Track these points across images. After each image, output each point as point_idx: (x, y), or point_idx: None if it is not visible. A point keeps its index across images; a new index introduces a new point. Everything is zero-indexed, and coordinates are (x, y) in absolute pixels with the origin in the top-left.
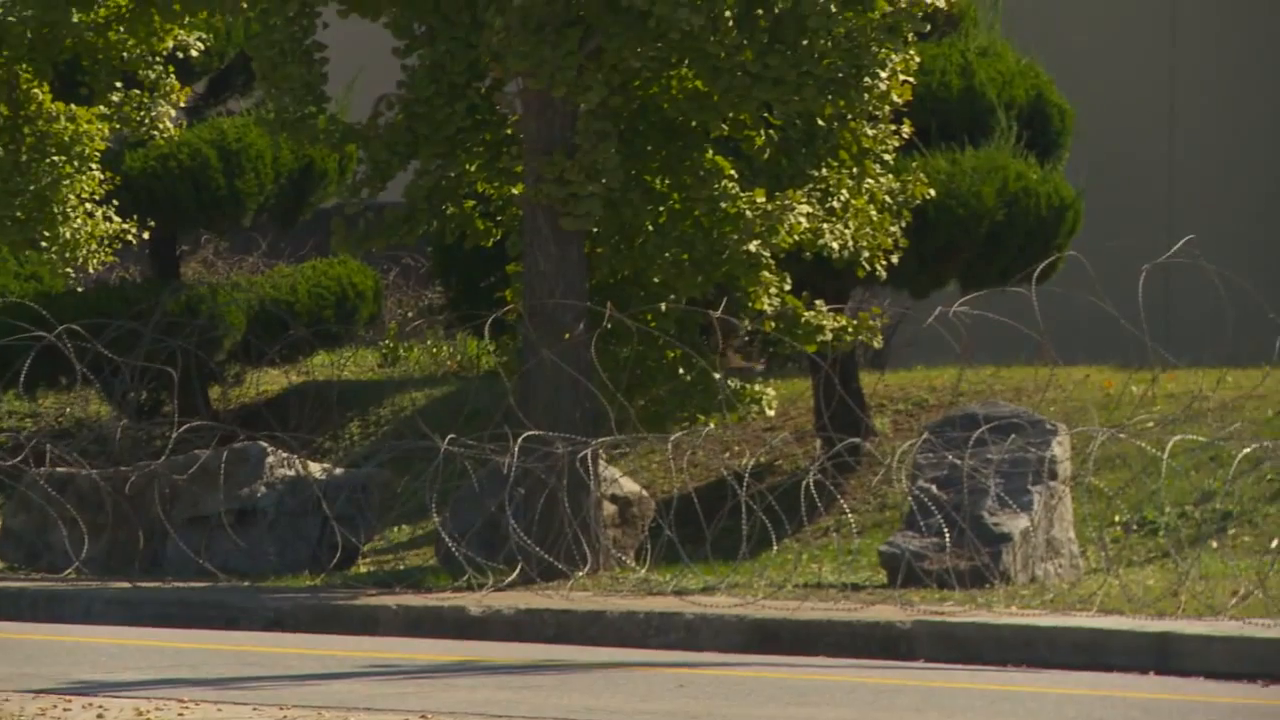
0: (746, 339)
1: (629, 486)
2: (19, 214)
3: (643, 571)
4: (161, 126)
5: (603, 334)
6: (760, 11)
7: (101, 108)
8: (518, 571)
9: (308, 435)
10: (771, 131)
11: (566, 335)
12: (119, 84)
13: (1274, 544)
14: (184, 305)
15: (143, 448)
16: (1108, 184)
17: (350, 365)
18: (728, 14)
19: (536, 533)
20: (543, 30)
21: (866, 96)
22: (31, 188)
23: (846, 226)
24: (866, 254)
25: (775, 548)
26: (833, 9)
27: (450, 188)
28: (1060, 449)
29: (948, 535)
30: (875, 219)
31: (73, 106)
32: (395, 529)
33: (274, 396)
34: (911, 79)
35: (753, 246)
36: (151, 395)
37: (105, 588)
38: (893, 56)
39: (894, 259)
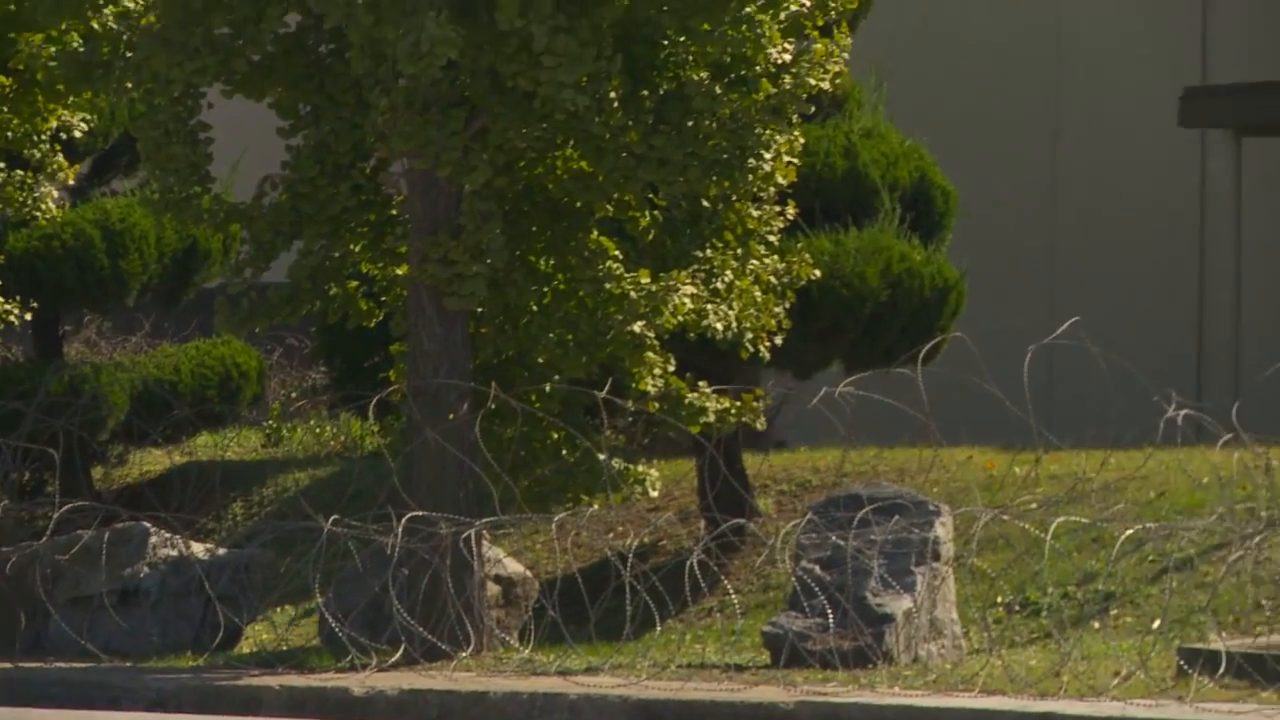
0: (630, 420)
1: (513, 567)
2: None
3: (526, 652)
4: (45, 206)
5: (487, 414)
6: (645, 92)
7: None
8: (401, 652)
9: (191, 515)
10: (656, 212)
11: (451, 415)
12: (2, 164)
13: (1156, 625)
14: (67, 385)
15: (25, 528)
16: (991, 265)
17: (234, 445)
18: (613, 95)
19: (420, 613)
20: (428, 111)
21: (751, 177)
22: None
23: (730, 307)
24: (750, 335)
25: (659, 628)
26: (717, 90)
27: (334, 268)
28: (943, 530)
29: (831, 616)
30: (759, 300)
31: None
32: (278, 609)
33: (157, 476)
34: (796, 160)
35: (637, 327)
36: (34, 476)
37: None
38: (777, 138)
39: (778, 340)
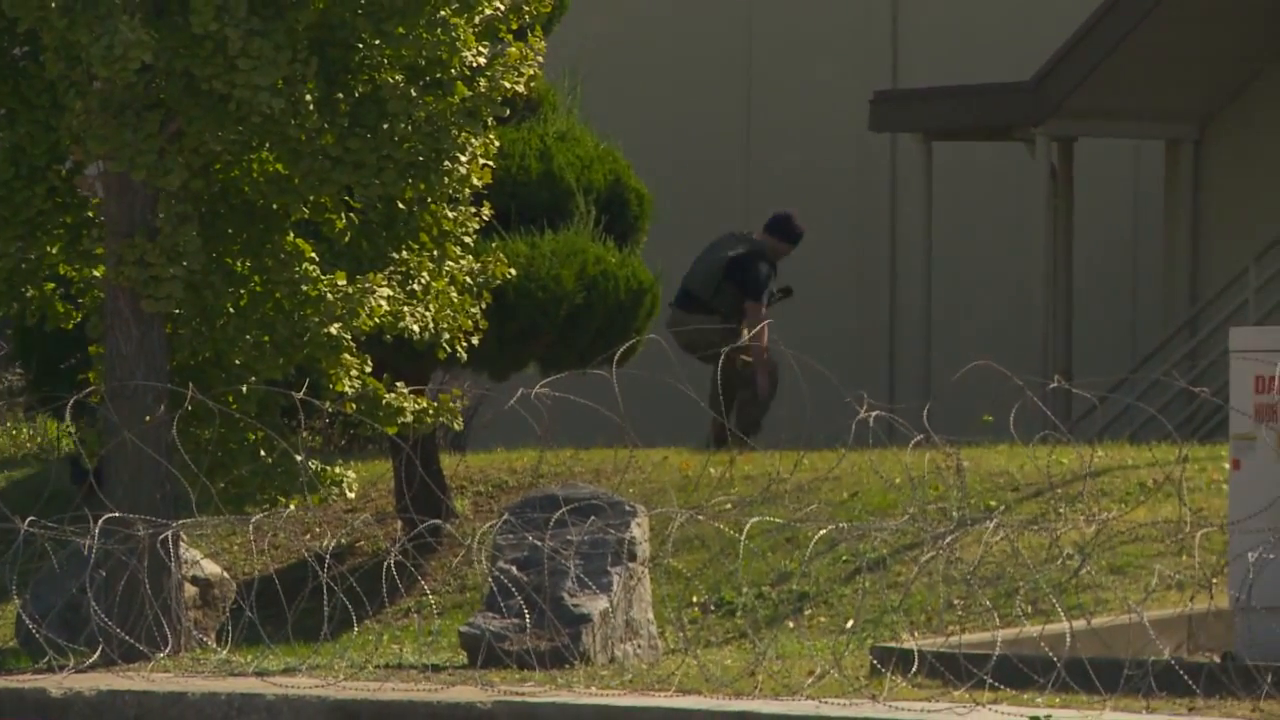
0: (328, 421)
1: (210, 568)
2: None
3: (224, 653)
4: None
5: (184, 416)
6: (341, 96)
7: None
8: (99, 653)
9: None
10: (353, 215)
11: (148, 417)
12: None
13: (849, 624)
14: None
15: None
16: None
17: None
18: (308, 98)
19: (118, 614)
20: (123, 113)
21: (447, 180)
22: None
23: (427, 309)
24: (447, 336)
25: (357, 629)
26: (412, 93)
27: (30, 270)
28: (639, 530)
29: (528, 616)
30: (456, 301)
31: None
32: None
33: None
34: (491, 163)
35: (334, 329)
36: None
37: None
38: (472, 141)
39: (475, 341)
